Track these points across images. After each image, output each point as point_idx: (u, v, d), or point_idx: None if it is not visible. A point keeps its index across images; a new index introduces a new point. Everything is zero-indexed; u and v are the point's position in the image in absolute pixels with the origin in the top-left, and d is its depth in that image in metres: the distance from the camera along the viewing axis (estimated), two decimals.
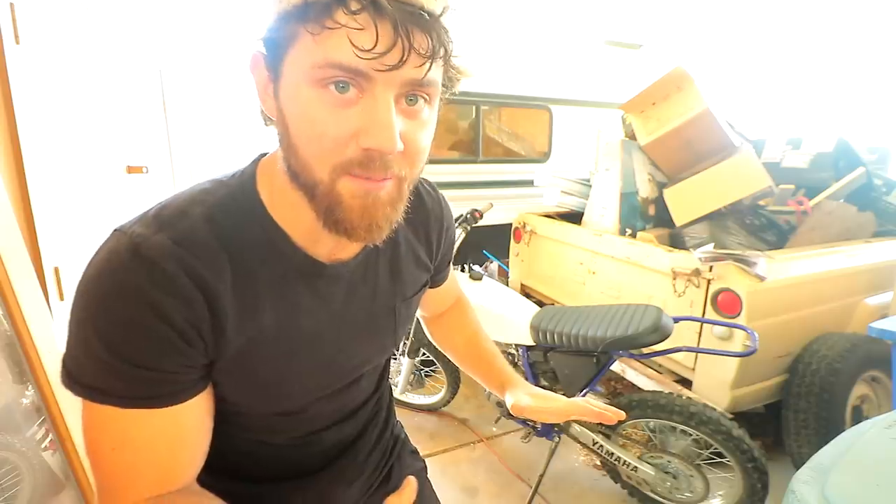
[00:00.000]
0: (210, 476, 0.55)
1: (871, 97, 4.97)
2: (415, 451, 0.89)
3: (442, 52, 0.42)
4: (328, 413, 0.66)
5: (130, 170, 2.68)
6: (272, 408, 0.59)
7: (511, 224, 3.14)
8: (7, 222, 1.12)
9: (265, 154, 0.55)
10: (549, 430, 1.86)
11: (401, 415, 2.47)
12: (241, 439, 0.61)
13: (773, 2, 4.49)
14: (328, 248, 0.55)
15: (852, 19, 4.82)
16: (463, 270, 1.97)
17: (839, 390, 1.83)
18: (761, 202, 2.51)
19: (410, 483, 0.54)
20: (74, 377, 0.46)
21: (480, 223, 2.20)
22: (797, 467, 1.11)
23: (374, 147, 0.42)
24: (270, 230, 0.52)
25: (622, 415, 0.75)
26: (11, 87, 1.54)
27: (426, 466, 0.89)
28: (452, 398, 2.42)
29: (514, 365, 1.92)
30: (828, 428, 1.78)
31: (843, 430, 1.21)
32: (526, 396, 0.80)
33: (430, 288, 0.79)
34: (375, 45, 0.38)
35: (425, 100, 0.45)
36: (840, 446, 1.11)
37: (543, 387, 1.84)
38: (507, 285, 2.87)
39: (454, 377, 2.36)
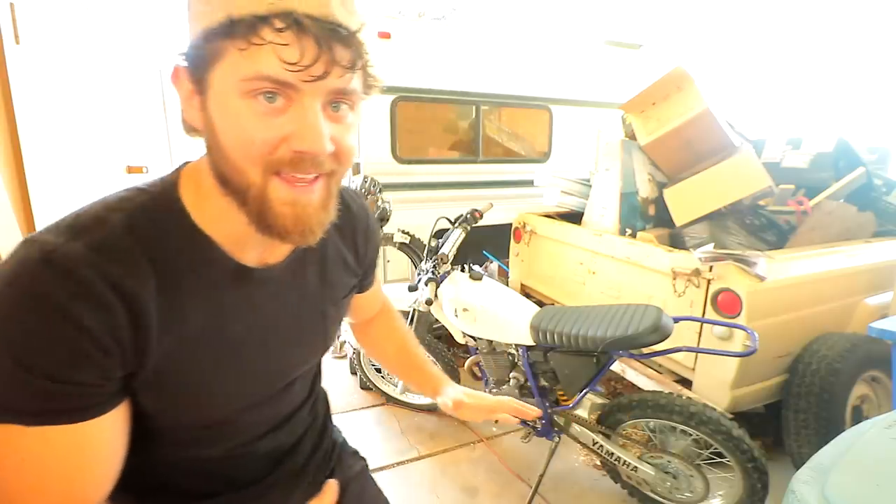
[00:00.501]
0: (135, 497, 0.54)
1: (871, 97, 4.97)
2: (355, 453, 0.89)
3: (360, 63, 0.47)
4: (261, 421, 0.65)
5: (130, 170, 2.69)
6: (200, 418, 0.57)
7: (511, 224, 3.15)
8: (7, 222, 1.12)
9: (188, 162, 0.55)
10: (549, 430, 1.86)
11: (401, 415, 2.49)
12: (169, 455, 0.59)
13: (773, 2, 4.49)
14: (256, 253, 0.56)
15: (852, 19, 4.82)
16: (463, 270, 1.96)
17: (839, 390, 1.83)
18: (761, 202, 2.51)
19: (330, 487, 0.58)
20: None
21: (480, 223, 2.20)
22: (797, 467, 1.11)
23: (306, 150, 0.46)
24: (195, 236, 0.52)
25: (538, 412, 0.91)
26: (11, 87, 1.54)
27: (367, 465, 0.89)
28: None
29: (514, 365, 1.92)
30: (828, 428, 1.78)
31: (843, 430, 1.21)
32: (462, 394, 0.88)
33: (357, 293, 0.80)
34: (301, 59, 0.42)
35: (348, 106, 0.49)
36: (840, 446, 1.11)
37: (543, 387, 1.84)
38: (507, 285, 2.87)
39: (453, 377, 2.36)
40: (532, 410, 0.90)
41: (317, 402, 0.78)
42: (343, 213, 0.62)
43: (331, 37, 0.43)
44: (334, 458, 0.82)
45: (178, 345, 0.51)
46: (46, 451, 0.45)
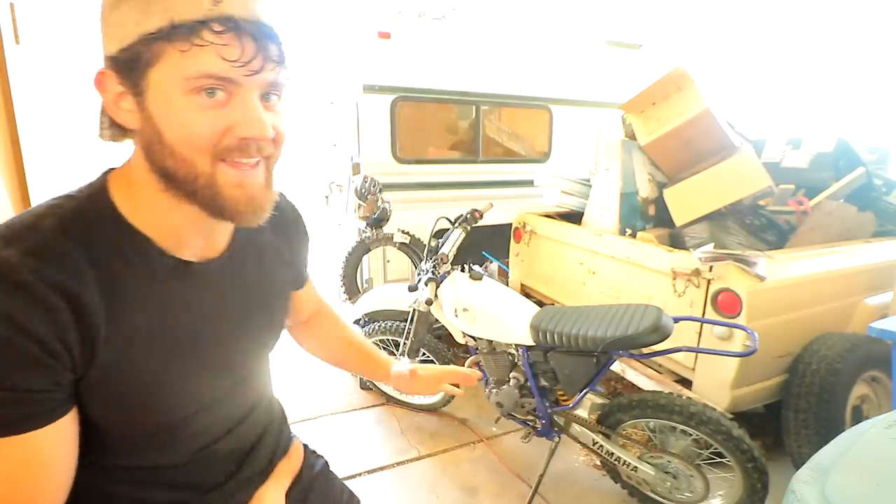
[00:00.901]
0: None
1: (871, 97, 4.97)
2: (315, 451, 0.90)
3: (285, 58, 0.52)
4: (217, 422, 0.65)
5: None
6: (155, 421, 0.57)
7: (511, 224, 3.15)
8: None
9: (113, 168, 0.56)
10: (549, 430, 1.86)
11: (401, 415, 2.48)
12: (129, 467, 0.59)
13: (773, 2, 4.48)
14: (194, 248, 0.58)
15: (852, 19, 4.81)
16: (463, 270, 1.96)
17: (839, 390, 1.83)
18: (761, 202, 2.51)
19: (296, 447, 0.61)
20: None
21: (480, 223, 2.20)
22: (797, 467, 1.11)
23: (251, 136, 0.50)
24: (131, 234, 0.53)
25: (478, 375, 1.03)
26: (11, 87, 1.54)
27: (328, 463, 0.90)
28: (452, 398, 2.42)
29: (514, 365, 1.92)
30: (828, 428, 1.78)
31: (843, 430, 1.21)
32: (415, 366, 0.97)
33: (294, 290, 0.82)
34: (241, 56, 0.47)
35: (278, 96, 0.54)
36: (840, 446, 1.11)
37: (543, 387, 1.84)
38: (507, 285, 2.87)
39: None
40: (474, 374, 1.01)
41: (271, 404, 0.79)
42: (275, 210, 0.65)
43: (263, 36, 0.48)
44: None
45: (125, 344, 0.51)
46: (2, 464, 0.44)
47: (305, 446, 0.87)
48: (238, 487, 0.69)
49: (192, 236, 0.56)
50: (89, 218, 0.51)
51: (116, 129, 0.53)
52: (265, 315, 0.70)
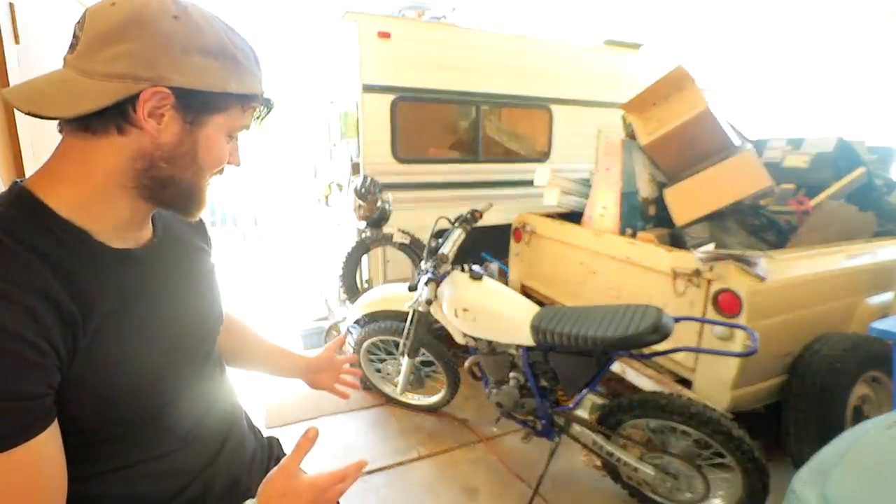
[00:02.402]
0: None
1: (871, 97, 4.97)
2: (282, 450, 0.94)
3: None
4: (195, 405, 0.69)
5: None
6: (139, 408, 0.60)
7: (511, 224, 3.14)
8: None
9: (21, 180, 0.58)
10: (549, 431, 1.86)
11: (401, 415, 2.48)
12: (116, 470, 0.60)
13: (774, 2, 4.48)
14: (127, 239, 0.63)
15: (852, 19, 4.81)
16: (463, 270, 1.96)
17: (839, 390, 1.82)
18: (762, 202, 2.51)
19: (313, 429, 0.66)
20: None
21: (480, 223, 2.20)
22: (797, 467, 1.11)
23: (236, 164, 0.68)
24: (70, 229, 0.55)
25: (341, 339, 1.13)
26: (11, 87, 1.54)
27: None
28: (452, 398, 2.42)
29: (514, 365, 1.92)
30: (828, 428, 1.78)
31: (844, 430, 1.21)
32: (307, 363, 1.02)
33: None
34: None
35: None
36: (840, 446, 1.11)
37: (543, 387, 1.84)
38: (507, 286, 2.87)
39: (454, 377, 2.36)
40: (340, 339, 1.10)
41: (231, 392, 0.82)
42: None
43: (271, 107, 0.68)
44: (274, 456, 0.89)
45: (98, 335, 0.54)
46: (4, 478, 0.45)
47: (276, 442, 0.92)
48: (224, 467, 0.73)
49: (131, 228, 0.63)
50: (25, 220, 0.53)
51: (112, 126, 0.56)
52: (207, 295, 0.76)
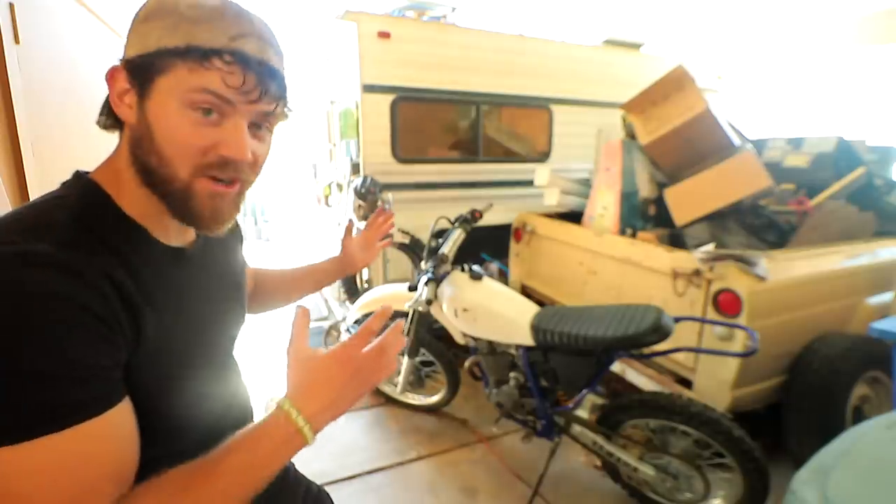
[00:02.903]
0: None
1: (872, 97, 4.96)
2: None
3: (284, 96, 0.58)
4: (217, 403, 0.69)
5: None
6: (179, 401, 0.60)
7: (511, 224, 3.14)
8: None
9: (84, 171, 0.59)
10: (549, 431, 1.86)
11: (400, 415, 2.48)
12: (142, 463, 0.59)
13: (774, 2, 4.48)
14: (176, 237, 0.62)
15: (852, 19, 4.81)
16: (463, 270, 1.96)
17: (839, 390, 1.82)
18: (762, 202, 2.50)
19: (304, 310, 0.63)
20: None
21: (480, 223, 2.20)
22: (797, 467, 1.11)
23: (231, 155, 0.54)
24: (131, 225, 0.57)
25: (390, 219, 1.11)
26: (11, 87, 1.54)
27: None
28: (452, 398, 2.42)
29: (514, 365, 1.92)
30: (828, 428, 1.78)
31: (844, 430, 1.21)
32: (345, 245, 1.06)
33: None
34: (242, 86, 0.52)
35: (268, 128, 0.60)
36: (840, 446, 1.11)
37: (543, 387, 1.84)
38: (507, 286, 2.87)
39: (454, 377, 2.36)
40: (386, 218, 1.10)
41: (247, 390, 0.83)
42: None
43: (267, 74, 0.54)
44: None
45: (156, 328, 0.54)
46: (86, 448, 0.46)
47: None
48: None
49: (173, 226, 0.61)
50: (93, 210, 0.54)
51: (112, 120, 0.58)
52: (239, 293, 0.78)
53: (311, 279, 1.06)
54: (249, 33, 0.53)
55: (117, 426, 0.49)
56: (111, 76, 0.55)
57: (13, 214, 0.52)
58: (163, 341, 0.55)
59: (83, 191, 0.56)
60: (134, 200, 0.57)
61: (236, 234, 0.82)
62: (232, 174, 0.56)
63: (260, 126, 0.58)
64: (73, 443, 0.45)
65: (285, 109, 0.60)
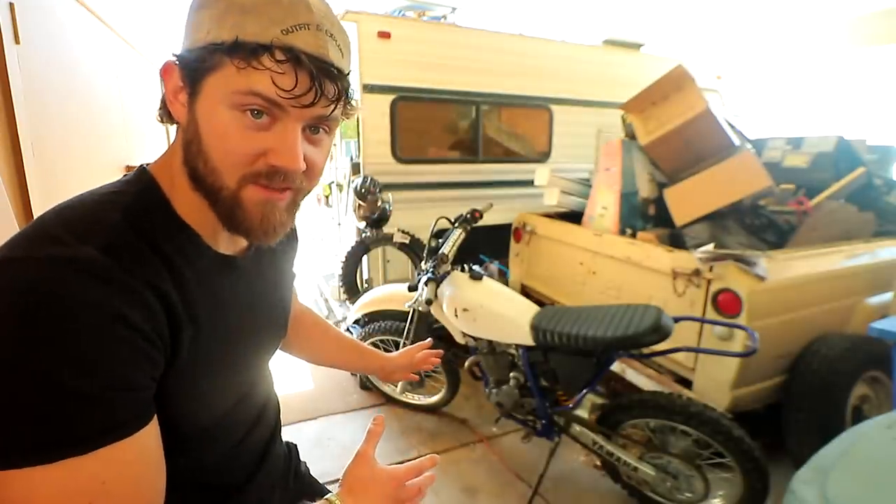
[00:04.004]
0: None
1: (871, 97, 4.97)
2: (298, 455, 0.93)
3: (344, 97, 0.51)
4: (242, 419, 0.67)
5: (129, 170, 2.68)
6: (206, 416, 0.57)
7: (511, 224, 3.14)
8: (7, 223, 1.12)
9: (147, 164, 0.56)
10: (549, 430, 1.86)
11: (401, 415, 2.48)
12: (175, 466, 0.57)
13: (773, 3, 4.48)
14: (227, 244, 0.59)
15: (852, 19, 4.81)
16: (463, 270, 1.96)
17: (839, 390, 1.82)
18: (761, 202, 2.51)
19: (380, 418, 0.66)
20: (17, 447, 0.39)
21: (480, 223, 2.20)
22: (797, 467, 1.11)
23: (281, 165, 0.49)
24: (184, 228, 0.53)
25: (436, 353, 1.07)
26: (11, 87, 1.54)
27: (308, 466, 0.91)
28: (452, 398, 2.42)
29: (514, 365, 1.92)
30: (828, 428, 1.78)
31: (844, 430, 1.21)
32: (386, 361, 1.03)
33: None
34: (294, 88, 0.46)
35: (325, 130, 0.54)
36: (840, 446, 1.11)
37: (543, 387, 1.84)
38: (507, 286, 2.87)
39: (454, 377, 2.36)
40: (433, 352, 1.07)
41: (276, 403, 0.80)
42: None
43: (323, 73, 0.48)
44: (293, 457, 0.86)
45: (195, 338, 0.52)
46: (112, 473, 0.43)
47: (294, 448, 0.89)
48: (259, 488, 0.70)
49: (225, 232, 0.56)
50: (150, 213, 0.51)
51: (167, 115, 0.54)
52: (282, 308, 0.73)
53: (349, 353, 1.01)
54: (306, 23, 0.46)
55: (145, 449, 0.46)
56: (166, 71, 0.51)
57: (69, 207, 0.49)
58: (200, 354, 0.53)
59: (142, 189, 0.53)
60: (188, 203, 0.53)
61: (292, 239, 0.78)
62: (282, 184, 0.51)
63: (317, 129, 0.53)
64: (99, 466, 0.42)
65: (347, 108, 0.55)
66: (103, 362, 0.42)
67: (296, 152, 0.49)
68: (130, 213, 0.49)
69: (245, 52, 0.45)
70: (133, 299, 0.44)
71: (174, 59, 0.50)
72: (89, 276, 0.42)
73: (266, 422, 0.73)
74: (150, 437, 0.47)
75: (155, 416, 0.48)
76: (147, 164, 0.56)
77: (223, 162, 0.49)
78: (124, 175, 0.56)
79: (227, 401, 0.60)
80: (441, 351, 1.09)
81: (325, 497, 0.58)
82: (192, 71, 0.48)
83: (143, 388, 0.45)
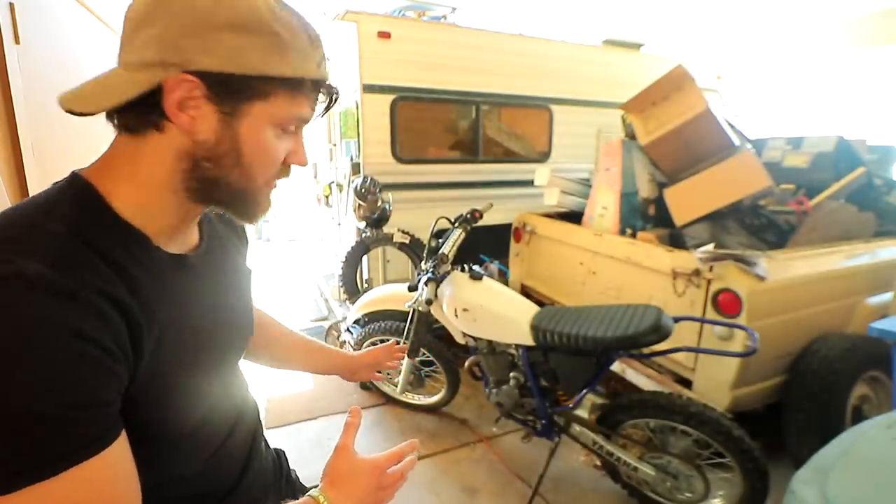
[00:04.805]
0: None
1: (872, 97, 4.96)
2: (287, 461, 0.93)
3: None
4: (223, 421, 0.66)
5: None
6: (181, 422, 0.56)
7: (511, 224, 3.14)
8: None
9: (79, 171, 0.54)
10: (549, 430, 1.86)
11: (401, 415, 2.48)
12: (150, 485, 0.55)
13: (772, 3, 4.48)
14: (179, 243, 0.59)
15: (852, 19, 4.81)
16: (463, 270, 1.96)
17: (839, 390, 1.82)
18: (761, 202, 2.51)
19: (356, 409, 0.70)
20: None
21: (480, 223, 2.20)
22: (797, 467, 1.11)
23: (300, 163, 0.60)
24: (130, 231, 0.52)
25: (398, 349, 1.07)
26: (11, 87, 1.54)
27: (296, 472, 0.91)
28: (452, 398, 2.42)
29: (514, 365, 1.92)
30: (828, 428, 1.78)
31: (844, 430, 1.21)
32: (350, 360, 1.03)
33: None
34: (321, 110, 0.60)
35: None
36: (840, 446, 1.11)
37: (543, 387, 1.84)
38: (507, 286, 2.87)
39: (454, 377, 2.36)
40: (397, 348, 1.07)
41: (255, 405, 0.79)
42: None
43: (335, 95, 0.60)
44: (282, 462, 0.87)
45: (157, 344, 0.50)
46: (82, 494, 0.42)
47: (283, 454, 0.88)
48: (248, 494, 0.69)
49: (181, 232, 0.59)
50: (91, 218, 0.49)
51: (143, 123, 0.51)
52: (245, 301, 0.73)
53: (315, 355, 1.00)
54: (324, 55, 0.56)
55: (114, 466, 0.45)
56: (176, 83, 0.48)
57: (6, 216, 0.47)
58: (165, 358, 0.52)
59: (78, 195, 0.51)
60: (133, 206, 0.52)
61: (242, 237, 0.78)
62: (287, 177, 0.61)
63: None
64: (68, 489, 0.41)
65: None
66: (62, 380, 0.40)
67: (306, 153, 0.60)
68: (72, 222, 0.47)
69: (295, 85, 0.53)
70: (87, 311, 0.43)
71: (192, 74, 0.48)
72: (38, 291, 0.41)
73: (245, 426, 0.72)
74: (118, 453, 0.45)
75: (123, 432, 0.47)
76: (79, 171, 0.54)
77: (262, 169, 0.56)
78: (54, 183, 0.53)
79: (199, 406, 0.59)
80: (404, 346, 1.11)
81: (308, 493, 0.58)
82: (232, 93, 0.51)
83: (107, 403, 0.44)
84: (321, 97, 0.58)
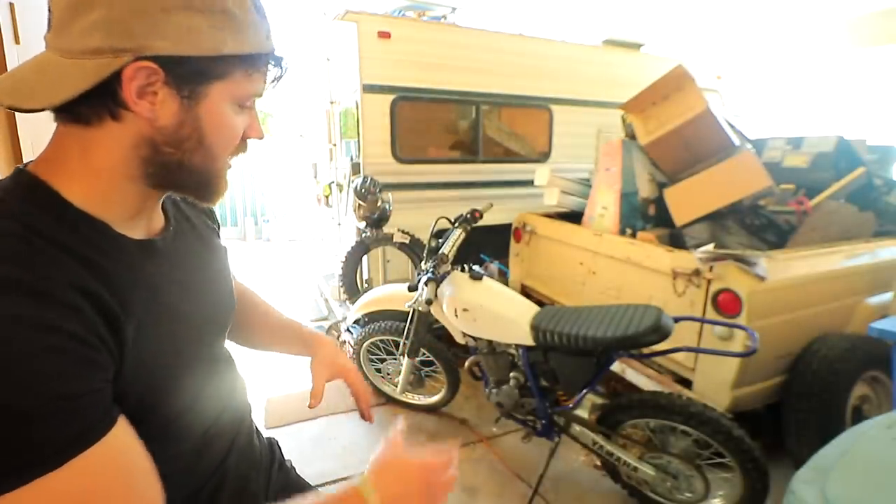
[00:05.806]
0: None
1: (872, 97, 4.96)
2: (282, 453, 0.92)
3: None
4: (216, 395, 0.67)
5: None
6: (170, 406, 0.56)
7: (511, 224, 3.14)
8: None
9: (25, 165, 0.52)
10: (549, 430, 1.86)
11: (401, 414, 2.48)
12: None
13: (775, 2, 4.48)
14: (143, 228, 0.59)
15: (852, 18, 4.81)
16: (463, 270, 1.96)
17: (839, 390, 1.82)
18: (761, 202, 2.51)
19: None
20: None
21: (480, 223, 2.20)
22: (797, 467, 1.11)
23: (257, 137, 0.60)
24: (92, 223, 0.51)
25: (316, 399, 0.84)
26: None
27: (293, 464, 0.91)
28: (452, 398, 2.42)
29: (514, 365, 1.92)
30: (828, 428, 1.78)
31: (844, 430, 1.21)
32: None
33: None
34: (275, 81, 0.59)
35: None
36: (840, 446, 1.11)
37: (543, 387, 1.84)
38: (507, 286, 2.87)
39: (454, 377, 2.36)
40: (316, 396, 0.83)
41: (244, 387, 0.79)
42: None
43: (285, 65, 0.59)
44: (276, 452, 0.86)
45: (137, 332, 0.50)
46: (88, 483, 0.42)
47: (275, 442, 0.88)
48: (237, 463, 0.71)
49: (143, 217, 0.58)
50: (46, 215, 0.48)
51: (103, 112, 0.49)
52: (222, 280, 0.73)
53: (282, 333, 0.93)
54: (270, 27, 0.55)
55: (119, 451, 0.45)
56: (134, 70, 0.46)
57: None
58: (149, 343, 0.51)
59: (27, 190, 0.49)
60: (90, 196, 0.51)
61: (212, 218, 0.78)
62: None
63: None
64: (73, 479, 0.41)
65: None
66: (43, 376, 0.40)
67: (261, 125, 0.61)
68: (26, 217, 0.46)
69: (253, 62, 0.53)
70: (60, 306, 0.42)
71: (149, 60, 0.47)
72: (9, 292, 0.41)
73: (235, 404, 0.72)
74: (121, 439, 0.45)
75: (123, 418, 0.47)
76: (23, 166, 0.52)
77: (224, 148, 0.56)
78: None
79: (190, 385, 0.59)
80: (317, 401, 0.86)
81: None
82: (191, 76, 0.50)
83: (93, 391, 0.44)
84: (272, 69, 0.57)
